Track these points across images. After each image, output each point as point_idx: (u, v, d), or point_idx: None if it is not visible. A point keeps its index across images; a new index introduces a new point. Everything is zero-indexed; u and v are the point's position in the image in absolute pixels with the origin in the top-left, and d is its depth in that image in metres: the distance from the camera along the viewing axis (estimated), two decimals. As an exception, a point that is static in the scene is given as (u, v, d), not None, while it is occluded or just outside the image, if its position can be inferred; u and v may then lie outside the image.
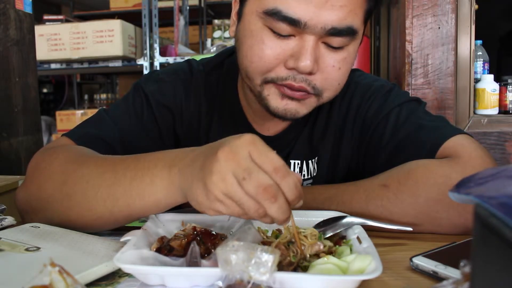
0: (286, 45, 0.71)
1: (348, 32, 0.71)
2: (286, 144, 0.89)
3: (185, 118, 0.89)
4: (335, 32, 0.70)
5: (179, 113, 0.89)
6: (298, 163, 0.89)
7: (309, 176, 0.90)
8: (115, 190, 0.63)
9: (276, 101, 0.75)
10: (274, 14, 0.69)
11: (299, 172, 0.89)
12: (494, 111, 1.91)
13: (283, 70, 0.73)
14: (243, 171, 0.49)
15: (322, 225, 0.66)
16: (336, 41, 0.71)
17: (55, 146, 0.77)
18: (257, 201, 0.50)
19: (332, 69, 0.74)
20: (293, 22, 0.68)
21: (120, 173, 0.64)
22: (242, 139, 0.52)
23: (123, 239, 0.57)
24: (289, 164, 0.89)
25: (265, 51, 0.72)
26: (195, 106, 0.90)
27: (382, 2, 0.77)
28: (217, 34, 3.89)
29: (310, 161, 0.90)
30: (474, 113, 1.91)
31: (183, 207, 0.80)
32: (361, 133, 0.87)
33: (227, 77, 0.90)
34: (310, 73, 0.72)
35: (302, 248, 0.56)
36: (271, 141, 0.86)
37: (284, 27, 0.69)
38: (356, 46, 0.76)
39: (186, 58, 1.31)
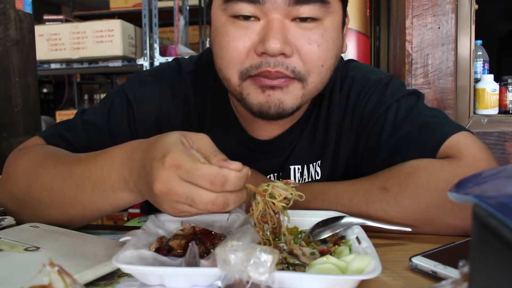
0: (252, 33, 0.69)
1: None
2: (284, 149, 0.86)
3: (174, 124, 0.85)
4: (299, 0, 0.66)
5: (166, 120, 0.85)
6: (298, 168, 0.87)
7: (311, 180, 0.87)
8: (80, 197, 0.65)
9: (257, 96, 0.71)
10: None
11: (300, 177, 0.87)
12: (494, 111, 1.91)
13: (255, 58, 0.69)
14: (185, 199, 0.50)
15: (322, 225, 0.66)
16: (305, 10, 0.67)
17: (24, 147, 0.78)
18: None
19: (310, 47, 0.69)
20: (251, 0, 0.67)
21: (79, 181, 0.65)
22: (166, 166, 0.50)
23: (122, 239, 0.57)
24: (288, 170, 0.86)
25: (231, 43, 0.69)
26: (184, 111, 0.86)
27: None
28: (217, 34, 3.88)
29: (311, 165, 0.87)
30: (474, 113, 1.91)
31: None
32: (359, 129, 0.85)
33: (218, 76, 0.81)
34: (285, 56, 0.68)
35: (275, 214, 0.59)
36: (267, 145, 0.85)
37: (244, 8, 0.67)
38: (334, 22, 0.72)
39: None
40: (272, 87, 0.70)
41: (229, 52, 0.70)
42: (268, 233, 0.67)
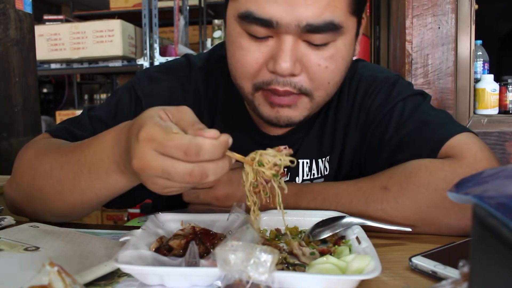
0: (265, 48, 0.69)
1: (328, 28, 0.67)
2: (293, 143, 0.86)
3: None
4: (312, 29, 0.66)
5: None
6: (307, 162, 0.87)
7: (320, 175, 0.88)
8: (78, 183, 0.65)
9: (267, 110, 0.74)
10: (247, 17, 0.67)
11: (309, 172, 0.87)
12: (494, 111, 1.91)
13: (266, 73, 0.70)
14: (162, 173, 0.49)
15: (322, 225, 0.66)
16: (317, 38, 0.68)
17: (32, 142, 0.80)
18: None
19: (318, 68, 0.70)
20: (265, 23, 0.66)
21: (76, 167, 0.65)
22: (140, 141, 0.49)
23: (122, 239, 0.57)
24: (297, 164, 0.86)
25: (245, 57, 0.70)
26: (195, 105, 0.85)
27: None
28: (217, 34, 3.89)
29: (320, 160, 0.87)
30: (474, 113, 1.91)
31: (184, 207, 0.80)
32: (364, 127, 0.85)
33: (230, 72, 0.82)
34: (293, 75, 0.69)
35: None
36: (277, 140, 0.85)
37: (258, 30, 0.68)
38: (347, 40, 0.72)
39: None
40: (281, 105, 0.72)
41: (243, 67, 0.71)
42: (268, 233, 0.67)
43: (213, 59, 0.90)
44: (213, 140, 0.48)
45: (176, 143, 0.48)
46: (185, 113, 0.54)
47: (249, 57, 0.70)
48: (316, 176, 0.88)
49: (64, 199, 0.68)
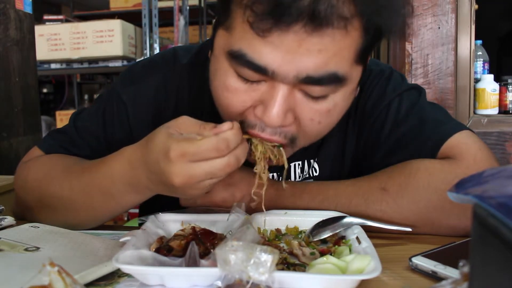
0: (254, 91, 0.61)
1: (330, 80, 0.59)
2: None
3: (166, 120, 0.83)
4: (311, 81, 0.58)
5: (159, 117, 0.81)
6: (299, 164, 0.85)
7: (309, 176, 0.86)
8: (91, 203, 0.69)
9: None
10: (238, 58, 0.59)
11: (301, 173, 0.86)
12: (494, 111, 1.91)
13: (252, 116, 0.63)
14: (205, 176, 0.56)
15: (322, 225, 0.66)
16: (315, 90, 0.60)
17: (28, 160, 0.81)
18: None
19: (310, 122, 0.63)
20: (259, 70, 0.58)
21: (87, 188, 0.69)
22: (174, 160, 0.55)
23: (122, 239, 0.57)
24: (289, 167, 0.84)
25: (231, 100, 0.63)
26: (176, 105, 0.83)
27: (384, 35, 0.64)
28: (217, 34, 3.88)
29: (311, 161, 0.86)
30: (474, 113, 1.91)
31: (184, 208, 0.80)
32: (360, 124, 0.83)
33: None
34: (282, 126, 0.62)
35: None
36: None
37: (250, 74, 0.59)
38: (348, 90, 0.64)
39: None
40: None
41: (228, 108, 0.65)
42: (269, 233, 0.67)
43: (202, 56, 0.81)
44: (232, 130, 0.55)
45: (206, 147, 0.54)
46: (188, 122, 0.59)
47: (236, 100, 0.63)
48: (307, 177, 0.86)
49: (77, 216, 0.72)
